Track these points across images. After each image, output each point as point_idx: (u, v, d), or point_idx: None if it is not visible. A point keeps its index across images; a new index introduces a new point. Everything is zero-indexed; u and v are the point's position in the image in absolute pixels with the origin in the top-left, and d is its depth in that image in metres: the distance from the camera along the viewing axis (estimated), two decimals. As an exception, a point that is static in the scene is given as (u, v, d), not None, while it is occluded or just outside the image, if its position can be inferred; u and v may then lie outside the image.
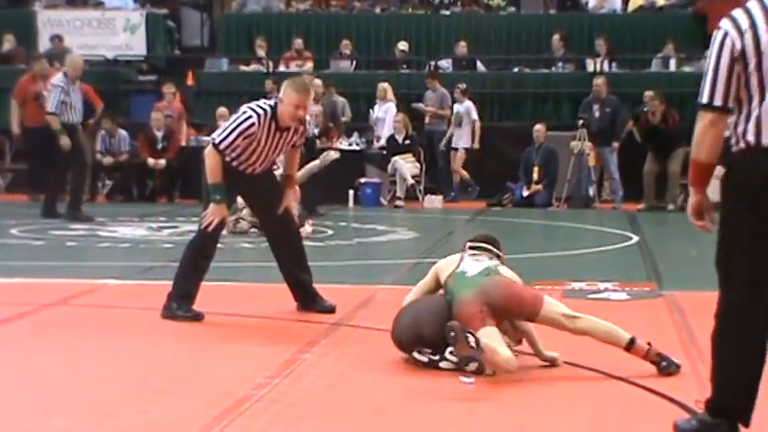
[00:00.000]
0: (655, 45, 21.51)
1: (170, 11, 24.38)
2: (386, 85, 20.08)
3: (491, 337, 6.27)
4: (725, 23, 4.65)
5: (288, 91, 8.07)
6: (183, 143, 20.06)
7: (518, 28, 22.89)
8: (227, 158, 8.16)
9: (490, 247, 7.04)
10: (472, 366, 6.21)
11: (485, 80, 21.44)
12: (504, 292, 6.54)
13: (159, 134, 19.30)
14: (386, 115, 19.80)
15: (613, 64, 21.56)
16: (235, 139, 8.03)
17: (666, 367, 6.46)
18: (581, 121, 18.46)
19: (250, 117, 8.06)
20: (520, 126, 20.04)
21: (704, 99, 4.67)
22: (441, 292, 6.82)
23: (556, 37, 21.69)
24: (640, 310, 8.75)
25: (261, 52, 22.30)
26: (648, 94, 18.69)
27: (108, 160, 19.46)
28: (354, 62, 22.52)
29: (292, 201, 8.59)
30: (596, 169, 18.66)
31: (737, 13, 4.64)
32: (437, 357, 6.52)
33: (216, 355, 7.10)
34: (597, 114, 18.71)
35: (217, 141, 8.09)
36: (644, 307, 8.91)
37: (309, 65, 22.29)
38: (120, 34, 23.27)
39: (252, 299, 9.24)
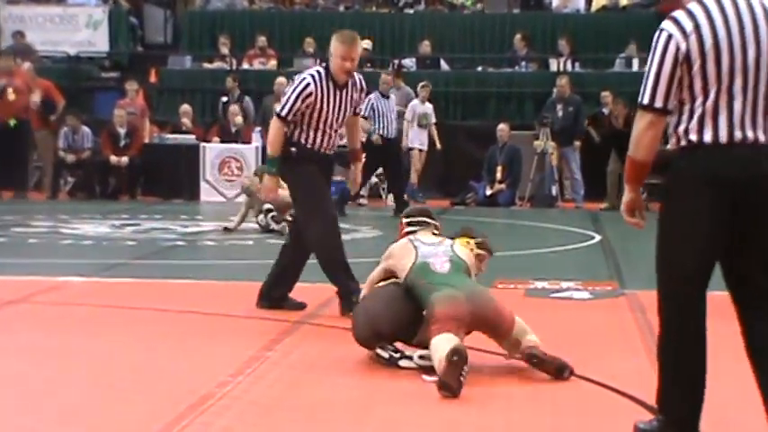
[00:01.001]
0: (618, 45, 21.62)
1: (133, 7, 24.28)
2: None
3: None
4: (668, 26, 4.65)
5: (334, 44, 8.17)
6: (146, 140, 19.98)
7: (482, 27, 22.95)
8: (298, 136, 8.17)
9: (429, 219, 7.12)
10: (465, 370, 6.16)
11: (448, 79, 21.49)
12: (494, 308, 6.47)
13: (122, 131, 19.21)
14: (350, 113, 19.78)
15: (576, 64, 21.66)
16: (294, 103, 8.06)
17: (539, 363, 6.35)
18: (544, 120, 18.54)
19: (305, 79, 8.15)
20: (483, 125, 20.11)
21: (645, 100, 4.69)
22: (392, 280, 6.82)
23: (518, 36, 21.77)
24: (602, 309, 8.80)
25: (224, 50, 22.26)
26: (605, 94, 18.81)
27: (70, 157, 19.34)
28: (318, 60, 22.50)
29: (359, 175, 8.64)
30: (559, 168, 18.75)
31: (680, 15, 4.65)
32: (398, 355, 6.53)
33: (179, 352, 7.09)
34: (560, 114, 18.80)
35: (279, 111, 8.17)
36: (606, 306, 8.96)
37: (273, 63, 22.27)
38: (82, 30, 23.16)
39: (215, 297, 9.23)
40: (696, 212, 4.63)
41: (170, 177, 19.26)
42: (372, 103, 17.40)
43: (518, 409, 5.79)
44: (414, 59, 22.23)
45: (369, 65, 22.04)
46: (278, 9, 24.02)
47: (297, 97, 8.06)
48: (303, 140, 8.18)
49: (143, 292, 9.44)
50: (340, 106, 8.21)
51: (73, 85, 21.16)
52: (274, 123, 8.21)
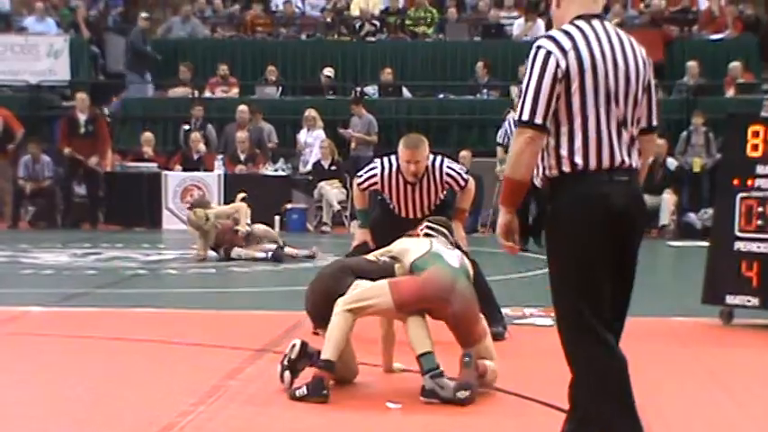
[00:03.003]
0: (578, 72, 21.70)
1: (94, 36, 24.18)
2: (314, 112, 20.08)
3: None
4: (545, 43, 4.60)
5: (400, 147, 8.45)
6: (108, 169, 19.88)
7: (443, 55, 23.01)
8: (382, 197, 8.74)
9: (446, 231, 7.21)
10: (462, 394, 6.20)
11: (411, 107, 21.52)
12: (472, 317, 6.57)
13: (83, 117, 18.98)
14: (315, 141, 19.80)
15: (537, 91, 21.71)
16: (364, 181, 8.62)
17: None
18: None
19: (374, 168, 8.61)
20: (446, 152, 20.08)
21: (525, 116, 4.56)
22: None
23: (480, 64, 21.86)
24: (565, 335, 8.79)
25: (185, 78, 22.19)
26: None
27: (31, 186, 19.21)
28: (280, 88, 22.52)
29: (462, 234, 8.55)
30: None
31: (557, 33, 4.64)
32: (285, 364, 6.65)
33: (140, 382, 7.02)
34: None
35: (357, 176, 8.77)
36: (569, 331, 8.95)
37: (235, 91, 22.25)
38: (43, 59, 23.02)
39: (177, 325, 9.16)
40: (580, 238, 4.56)
41: (132, 205, 19.15)
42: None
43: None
44: (376, 87, 22.27)
45: (331, 92, 22.07)
46: (240, 37, 24.00)
47: (365, 179, 8.62)
48: (390, 207, 8.67)
49: (104, 322, 9.36)
50: (414, 198, 8.51)
51: (34, 114, 21.03)
52: (354, 186, 8.92)
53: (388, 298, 6.39)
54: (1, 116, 19.39)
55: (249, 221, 14.35)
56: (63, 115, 19.65)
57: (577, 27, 4.64)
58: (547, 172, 4.63)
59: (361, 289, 6.57)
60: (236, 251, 14.06)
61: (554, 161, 4.59)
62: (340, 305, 6.46)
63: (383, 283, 6.49)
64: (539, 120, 4.54)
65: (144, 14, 23.39)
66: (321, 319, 6.84)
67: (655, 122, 4.81)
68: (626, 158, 4.60)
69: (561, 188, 4.62)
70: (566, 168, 4.57)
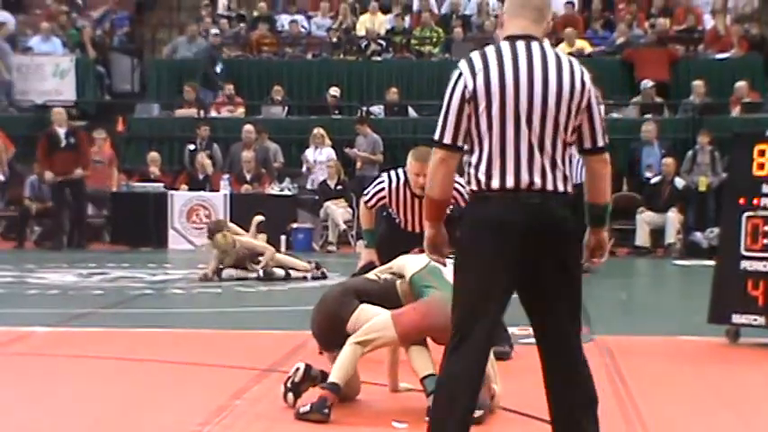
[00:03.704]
0: (583, 91, 21.72)
1: (100, 56, 24.25)
2: (322, 131, 20.12)
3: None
4: (461, 64, 4.71)
5: (409, 159, 8.45)
6: (114, 189, 19.93)
7: (449, 74, 22.82)
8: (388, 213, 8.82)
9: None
10: (478, 414, 6.21)
11: (416, 126, 21.53)
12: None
13: (61, 131, 18.82)
14: (324, 159, 19.84)
15: (543, 110, 21.73)
16: (370, 198, 8.67)
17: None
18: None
19: (381, 182, 8.66)
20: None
21: (436, 136, 4.70)
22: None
23: (485, 84, 21.85)
24: (571, 355, 8.78)
25: (188, 97, 22.22)
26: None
27: (36, 206, 19.25)
28: (286, 108, 22.56)
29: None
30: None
31: (474, 55, 4.71)
32: (288, 386, 6.69)
33: (147, 402, 7.03)
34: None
35: (363, 195, 8.79)
36: (575, 351, 8.94)
37: (241, 110, 22.30)
38: (49, 80, 23.11)
39: (183, 345, 9.17)
40: (483, 256, 4.63)
41: (138, 225, 19.14)
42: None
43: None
44: (381, 107, 22.30)
45: (337, 112, 22.12)
46: (245, 57, 24.05)
47: (372, 195, 8.66)
48: (389, 215, 8.79)
49: (110, 342, 9.37)
50: (421, 212, 8.40)
51: (40, 134, 21.08)
52: (361, 204, 8.92)
53: (392, 332, 6.53)
54: None
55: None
56: (41, 134, 19.51)
57: (497, 48, 4.69)
58: (468, 188, 4.77)
59: (367, 322, 6.67)
60: (227, 272, 14.13)
61: (469, 179, 4.71)
62: (351, 339, 6.61)
63: (387, 317, 6.57)
64: (447, 140, 4.67)
65: (214, 31, 23.41)
66: (326, 341, 6.96)
67: (600, 143, 4.76)
68: (537, 180, 4.60)
69: (470, 205, 4.78)
70: (474, 186, 4.69)
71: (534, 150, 4.61)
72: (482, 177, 4.64)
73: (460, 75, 4.69)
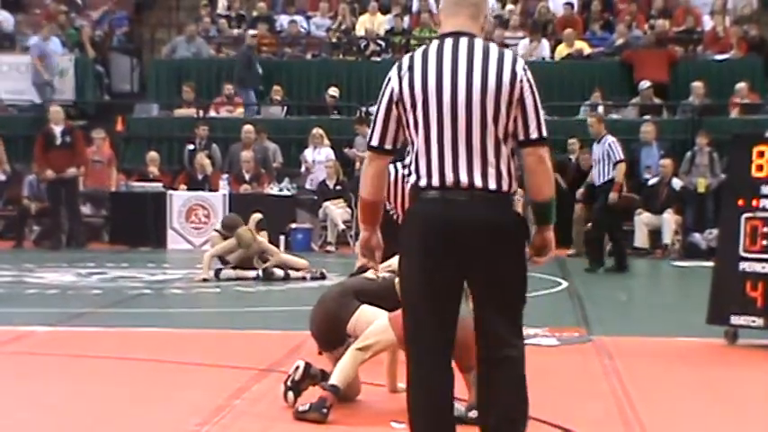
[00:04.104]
0: (583, 92, 21.78)
1: (99, 56, 24.26)
2: (321, 131, 20.14)
3: None
4: (394, 66, 4.72)
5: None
6: (113, 189, 19.93)
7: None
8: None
9: None
10: (475, 413, 6.21)
11: (415, 126, 21.53)
12: (469, 339, 6.56)
13: (57, 129, 18.83)
14: (323, 159, 19.86)
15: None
16: None
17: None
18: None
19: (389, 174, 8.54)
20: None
21: (368, 138, 4.78)
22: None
23: (485, 83, 21.85)
24: (570, 355, 8.80)
25: (187, 97, 22.24)
26: (572, 141, 18.97)
27: (35, 206, 19.26)
28: (285, 108, 22.57)
29: None
30: (526, 215, 18.76)
31: (406, 56, 4.73)
32: (289, 385, 6.71)
33: (146, 402, 7.04)
34: (527, 161, 18.81)
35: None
36: (573, 352, 8.97)
37: (240, 110, 22.30)
38: (48, 79, 23.11)
39: (182, 345, 9.18)
40: (417, 256, 4.63)
41: (137, 225, 19.14)
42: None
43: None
44: (380, 107, 22.25)
45: (336, 112, 22.13)
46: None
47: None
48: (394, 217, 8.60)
49: (109, 341, 9.37)
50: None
51: (39, 133, 21.08)
52: (359, 204, 8.86)
53: (391, 335, 6.52)
54: None
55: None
56: (37, 132, 19.50)
57: (425, 48, 4.69)
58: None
59: (366, 325, 6.69)
60: (225, 273, 14.15)
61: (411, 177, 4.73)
62: (353, 346, 6.64)
63: (384, 321, 6.58)
64: (374, 142, 4.73)
65: (252, 32, 23.45)
66: (325, 342, 6.99)
67: (534, 135, 4.63)
68: (463, 178, 4.56)
69: (408, 206, 4.80)
70: (409, 187, 4.73)
71: (459, 148, 4.57)
72: (413, 177, 4.66)
73: (389, 78, 4.70)
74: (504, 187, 4.62)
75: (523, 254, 4.74)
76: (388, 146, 4.71)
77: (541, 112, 4.65)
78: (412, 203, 4.72)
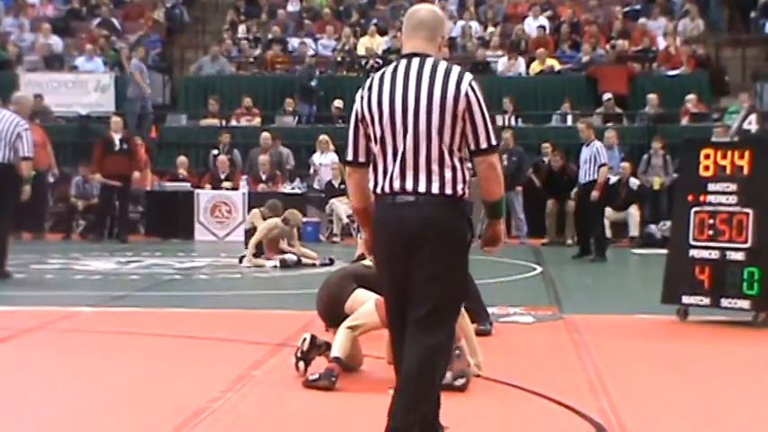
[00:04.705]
0: (554, 103, 21.75)
1: (136, 74, 24.18)
2: (327, 137, 20.11)
3: None
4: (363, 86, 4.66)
5: None
6: (148, 188, 19.91)
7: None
8: None
9: None
10: (459, 381, 6.21)
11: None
12: None
13: (116, 137, 18.74)
14: (328, 162, 19.83)
15: (519, 119, 21.74)
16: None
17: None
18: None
19: None
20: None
21: (345, 155, 4.74)
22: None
23: (469, 97, 21.79)
24: (544, 331, 8.79)
25: (212, 109, 22.21)
26: (546, 145, 18.94)
27: (81, 203, 19.26)
28: (296, 118, 22.52)
29: None
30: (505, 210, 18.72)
31: (370, 78, 4.65)
32: (299, 355, 6.69)
33: (175, 372, 7.01)
34: (505, 163, 18.78)
35: None
36: (547, 328, 8.95)
37: (257, 120, 22.26)
38: (92, 94, 23.07)
39: (208, 323, 9.14)
40: (380, 255, 4.64)
41: (168, 219, 19.13)
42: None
43: (468, 418, 5.75)
44: (379, 117, 22.19)
45: (341, 121, 22.08)
46: (261, 74, 24.02)
47: None
48: None
49: (144, 320, 9.35)
50: None
51: (84, 141, 21.03)
52: None
53: (375, 317, 6.51)
54: None
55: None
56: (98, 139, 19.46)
57: (384, 70, 4.61)
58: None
59: (359, 306, 6.72)
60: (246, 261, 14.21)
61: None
62: (344, 324, 6.65)
63: (371, 305, 6.58)
64: (349, 157, 4.69)
65: (310, 53, 23.33)
66: (330, 319, 7.00)
67: (483, 145, 4.50)
68: (409, 185, 4.47)
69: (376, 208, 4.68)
70: (372, 191, 4.64)
71: (407, 158, 4.47)
72: (372, 184, 4.61)
73: (355, 99, 4.64)
74: (448, 191, 4.52)
75: (464, 251, 4.65)
76: (361, 159, 4.65)
77: (489, 124, 4.52)
78: (375, 209, 4.65)
